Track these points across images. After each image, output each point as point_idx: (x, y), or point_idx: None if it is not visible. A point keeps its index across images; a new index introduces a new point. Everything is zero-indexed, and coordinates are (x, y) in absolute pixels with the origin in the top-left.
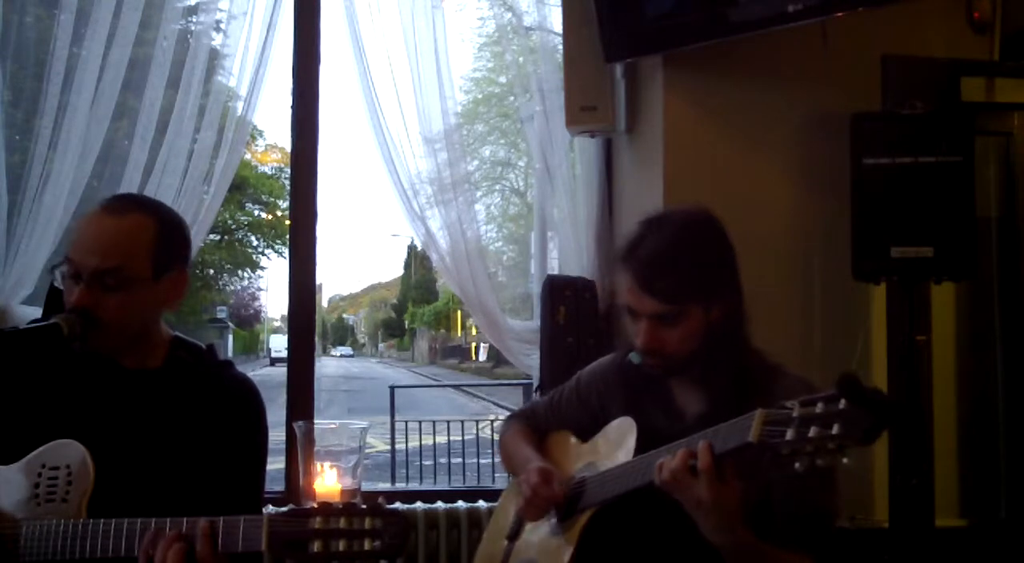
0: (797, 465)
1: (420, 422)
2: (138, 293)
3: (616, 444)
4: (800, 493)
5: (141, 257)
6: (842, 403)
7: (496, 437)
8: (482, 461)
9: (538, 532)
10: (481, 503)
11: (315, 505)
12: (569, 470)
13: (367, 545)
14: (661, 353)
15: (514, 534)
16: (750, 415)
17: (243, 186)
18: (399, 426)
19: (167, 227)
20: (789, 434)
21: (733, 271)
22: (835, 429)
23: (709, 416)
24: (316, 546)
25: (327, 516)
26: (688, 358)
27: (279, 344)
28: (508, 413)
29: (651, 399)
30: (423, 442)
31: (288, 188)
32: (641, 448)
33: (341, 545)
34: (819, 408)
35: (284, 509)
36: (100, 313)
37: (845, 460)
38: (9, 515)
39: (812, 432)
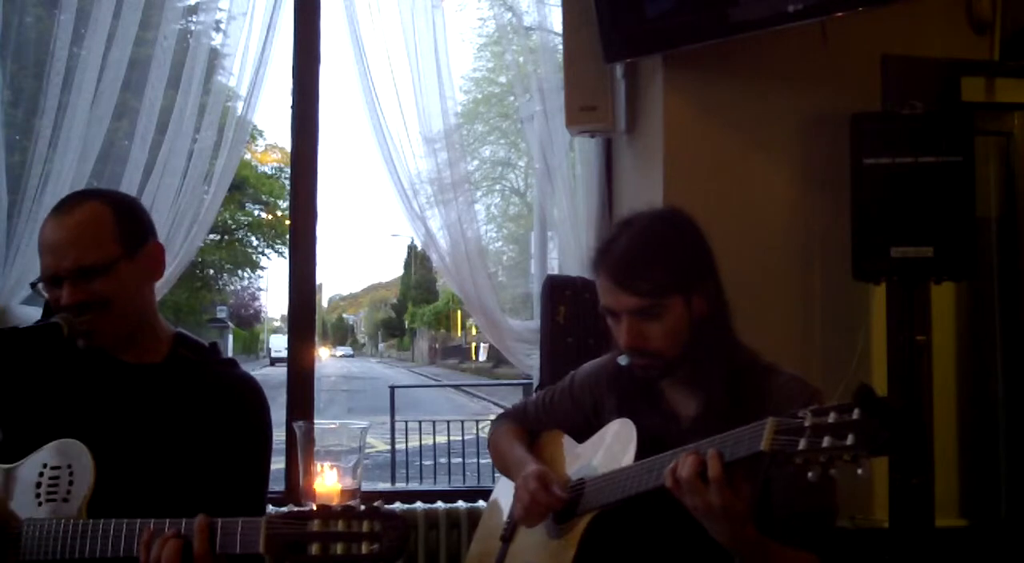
0: (810, 475)
1: (420, 422)
2: (120, 272)
3: (615, 447)
4: (798, 491)
5: (108, 241)
6: (856, 413)
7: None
8: (482, 461)
9: (534, 533)
10: (481, 503)
11: (314, 506)
12: (563, 470)
13: (365, 548)
14: (646, 350)
15: (508, 535)
16: (760, 423)
17: (243, 186)
18: (399, 426)
19: (120, 207)
20: (802, 444)
21: (709, 264)
22: (849, 440)
23: (704, 418)
24: (314, 549)
25: (326, 518)
26: (677, 356)
27: (279, 344)
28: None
29: (644, 401)
30: (423, 442)
31: (288, 188)
32: (637, 450)
33: (339, 548)
34: (832, 418)
35: (283, 510)
36: (101, 300)
37: (860, 471)
38: (10, 515)
39: (826, 442)
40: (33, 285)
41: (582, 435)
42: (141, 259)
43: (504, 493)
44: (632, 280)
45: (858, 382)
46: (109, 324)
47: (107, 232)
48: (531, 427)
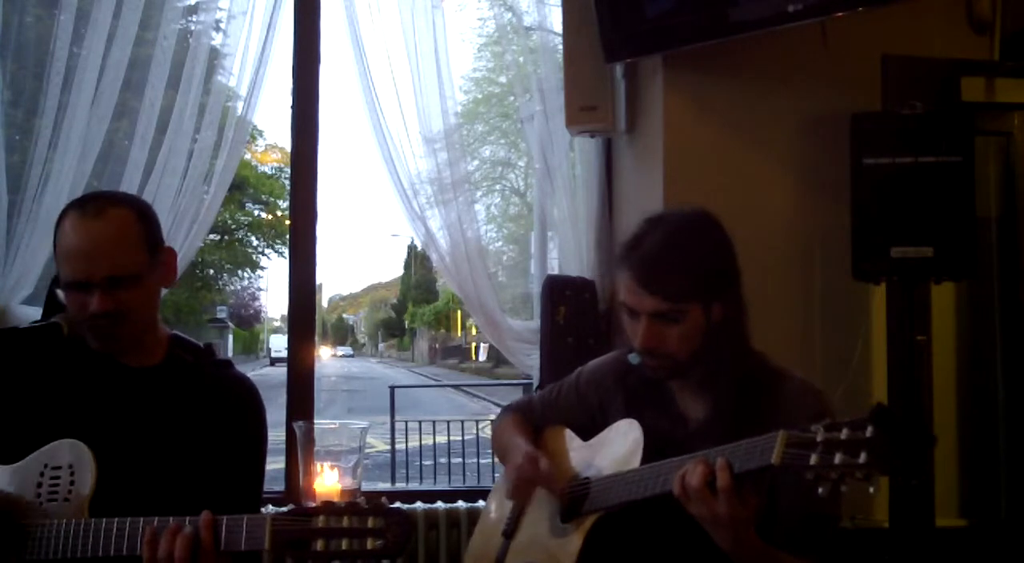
0: (821, 490)
1: (420, 422)
2: (147, 280)
3: (621, 447)
4: (805, 501)
5: (138, 249)
6: (869, 430)
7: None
8: (482, 461)
9: (537, 531)
10: (481, 503)
11: (317, 505)
12: (566, 467)
13: (370, 544)
14: (661, 352)
15: (511, 531)
16: (771, 436)
17: (243, 186)
18: (399, 426)
19: (143, 213)
20: (813, 459)
21: (733, 270)
22: (863, 458)
23: (713, 421)
24: (319, 545)
25: (330, 515)
26: (688, 359)
27: (279, 344)
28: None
29: (652, 401)
30: (423, 442)
31: (288, 188)
32: (643, 452)
33: (344, 544)
34: (844, 434)
35: (286, 508)
36: (125, 309)
37: (872, 489)
38: (11, 515)
39: (838, 459)
40: (52, 287)
41: (587, 432)
42: (159, 266)
43: (502, 491)
44: (657, 283)
45: (870, 400)
46: (122, 331)
47: (137, 240)
48: (535, 422)
